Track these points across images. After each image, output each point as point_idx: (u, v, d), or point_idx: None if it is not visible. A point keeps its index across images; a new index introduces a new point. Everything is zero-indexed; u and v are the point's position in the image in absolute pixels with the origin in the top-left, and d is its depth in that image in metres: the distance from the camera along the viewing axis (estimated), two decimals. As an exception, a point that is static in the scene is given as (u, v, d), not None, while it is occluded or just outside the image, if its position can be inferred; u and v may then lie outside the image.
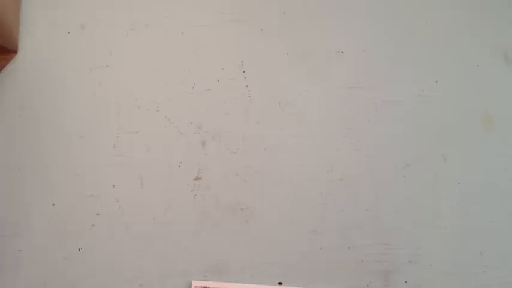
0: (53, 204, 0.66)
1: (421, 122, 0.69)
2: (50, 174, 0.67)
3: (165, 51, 0.70)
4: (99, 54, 0.70)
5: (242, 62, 0.70)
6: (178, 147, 0.68)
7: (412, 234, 0.65)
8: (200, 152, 0.68)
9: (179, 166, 0.67)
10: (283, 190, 0.66)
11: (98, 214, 0.66)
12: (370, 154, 0.68)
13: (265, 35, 0.71)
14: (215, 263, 0.64)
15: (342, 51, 0.71)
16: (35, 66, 0.70)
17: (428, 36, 0.71)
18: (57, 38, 0.71)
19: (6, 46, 0.68)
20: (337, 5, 0.72)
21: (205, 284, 0.63)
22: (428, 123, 0.69)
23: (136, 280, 0.64)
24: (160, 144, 0.68)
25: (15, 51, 0.70)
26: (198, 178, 0.67)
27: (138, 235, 0.65)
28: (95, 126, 0.68)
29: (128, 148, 0.67)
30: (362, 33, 0.71)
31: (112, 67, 0.70)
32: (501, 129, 0.69)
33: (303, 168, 0.67)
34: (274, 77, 0.70)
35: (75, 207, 0.66)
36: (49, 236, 0.65)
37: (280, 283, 0.64)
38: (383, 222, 0.66)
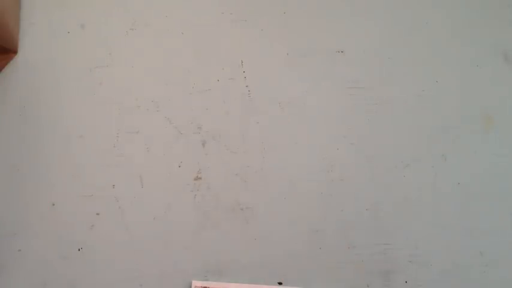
0: (53, 204, 0.66)
1: (421, 122, 0.69)
2: (49, 174, 0.67)
3: (165, 51, 0.70)
4: (99, 54, 0.70)
5: (242, 62, 0.70)
6: (178, 147, 0.68)
7: (412, 234, 0.65)
8: (200, 152, 0.68)
9: (179, 166, 0.67)
10: (283, 190, 0.66)
11: (98, 214, 0.66)
12: (370, 154, 0.68)
13: (265, 35, 0.71)
14: (215, 263, 0.64)
15: (342, 51, 0.71)
16: (35, 66, 0.70)
17: (428, 36, 0.71)
18: (57, 38, 0.71)
19: (6, 46, 0.68)
20: (337, 5, 0.72)
21: (205, 284, 0.63)
22: (428, 123, 0.69)
23: (136, 280, 0.64)
24: (160, 144, 0.68)
25: (15, 51, 0.70)
26: (198, 178, 0.67)
27: (138, 235, 0.65)
28: (95, 126, 0.68)
29: (128, 148, 0.67)
30: (362, 33, 0.71)
31: (112, 67, 0.70)
32: (501, 129, 0.69)
33: (303, 168, 0.67)
34: (274, 77, 0.70)
35: (75, 207, 0.66)
36: (49, 236, 0.65)
37: (280, 283, 0.64)
38: (383, 222, 0.66)
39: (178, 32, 0.71)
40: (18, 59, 0.70)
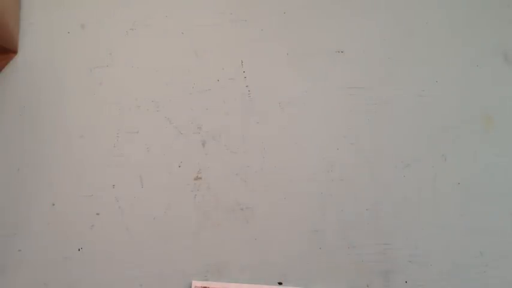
0: (53, 204, 0.66)
1: (421, 122, 0.69)
2: (50, 174, 0.67)
3: (165, 51, 0.70)
4: (99, 54, 0.70)
5: (242, 62, 0.70)
6: (178, 147, 0.68)
7: (412, 234, 0.65)
8: (200, 152, 0.68)
9: (179, 166, 0.67)
10: (283, 190, 0.66)
11: (98, 214, 0.66)
12: (370, 154, 0.68)
13: (265, 35, 0.71)
14: (215, 263, 0.64)
15: (342, 51, 0.71)
16: (35, 66, 0.70)
17: (428, 36, 0.71)
18: (57, 38, 0.71)
19: (6, 46, 0.68)
20: (337, 5, 0.72)
21: (205, 284, 0.63)
22: (428, 123, 0.69)
23: (136, 280, 0.64)
24: (160, 144, 0.68)
25: (15, 51, 0.70)
26: (198, 178, 0.67)
27: (138, 235, 0.65)
28: (95, 126, 0.68)
29: (128, 148, 0.67)
30: (362, 33, 0.71)
31: (112, 67, 0.70)
32: (501, 129, 0.69)
33: (303, 168, 0.67)
34: (274, 77, 0.70)
35: (75, 207, 0.66)
36: (49, 236, 0.65)
37: (280, 283, 0.64)
38: (383, 222, 0.66)
39: (178, 32, 0.71)
40: (18, 59, 0.70)
